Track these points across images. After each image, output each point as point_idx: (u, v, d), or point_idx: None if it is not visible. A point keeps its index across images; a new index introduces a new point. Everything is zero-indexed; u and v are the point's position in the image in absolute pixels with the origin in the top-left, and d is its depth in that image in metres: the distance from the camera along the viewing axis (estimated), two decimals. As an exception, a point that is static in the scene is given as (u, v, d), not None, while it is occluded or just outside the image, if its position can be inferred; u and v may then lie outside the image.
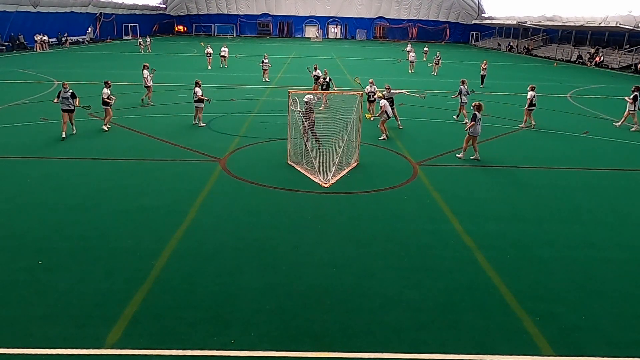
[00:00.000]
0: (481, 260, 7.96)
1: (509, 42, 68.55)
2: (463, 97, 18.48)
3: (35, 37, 44.98)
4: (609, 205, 10.65)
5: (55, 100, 14.48)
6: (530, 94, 17.58)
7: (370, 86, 18.29)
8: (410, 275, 7.46)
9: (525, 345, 5.94)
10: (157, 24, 77.04)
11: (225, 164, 12.59)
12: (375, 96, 17.96)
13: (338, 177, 11.64)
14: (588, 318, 6.51)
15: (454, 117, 19.13)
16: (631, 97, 18.21)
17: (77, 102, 14.58)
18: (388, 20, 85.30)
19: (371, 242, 8.53)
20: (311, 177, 11.58)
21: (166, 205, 9.79)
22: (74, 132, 14.75)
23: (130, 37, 67.58)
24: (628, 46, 47.18)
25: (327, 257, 7.89)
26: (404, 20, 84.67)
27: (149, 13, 76.18)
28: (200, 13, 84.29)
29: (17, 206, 9.58)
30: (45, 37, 46.10)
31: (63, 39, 51.21)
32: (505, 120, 19.04)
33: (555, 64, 48.14)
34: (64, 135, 14.30)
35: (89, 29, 58.28)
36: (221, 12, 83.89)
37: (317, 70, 21.98)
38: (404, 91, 18.97)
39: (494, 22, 74.85)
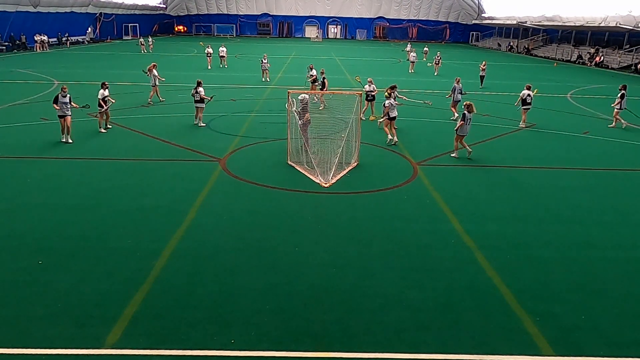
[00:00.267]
0: (481, 260, 7.96)
1: (509, 42, 68.55)
2: (457, 95, 18.94)
3: (35, 37, 45.01)
4: (609, 205, 10.65)
5: (57, 107, 13.81)
6: (523, 92, 17.82)
7: (369, 85, 18.21)
8: (410, 275, 7.46)
9: (525, 345, 5.94)
10: (157, 24, 77.04)
11: (225, 164, 12.59)
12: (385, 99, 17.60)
13: (338, 177, 11.64)
14: (588, 318, 6.51)
15: (452, 119, 19.21)
16: (618, 95, 18.45)
17: (74, 105, 14.23)
18: (388, 20, 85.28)
19: (371, 242, 8.53)
20: (311, 177, 11.58)
21: (166, 205, 9.80)
22: (70, 141, 13.95)
23: (130, 37, 67.60)
24: (628, 46, 47.18)
25: (327, 257, 7.89)
26: (404, 20, 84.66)
27: (149, 13, 76.19)
28: (200, 13, 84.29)
29: (17, 206, 9.58)
30: (45, 37, 46.11)
31: (64, 39, 51.25)
32: (505, 120, 19.04)
33: (555, 64, 48.15)
34: (69, 141, 13.88)
35: (89, 29, 58.30)
36: (221, 12, 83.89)
37: (313, 70, 21.77)
38: (404, 97, 19.04)
39: (494, 22, 74.85)
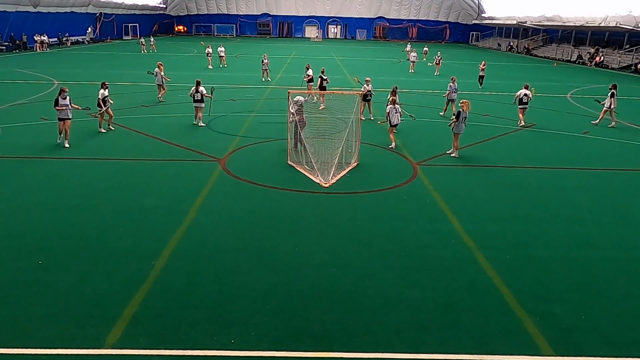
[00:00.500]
0: (481, 260, 7.96)
1: (509, 42, 68.55)
2: (452, 94, 19.19)
3: (34, 37, 45.02)
4: (609, 205, 10.65)
5: (61, 108, 13.45)
6: (520, 91, 17.99)
7: (367, 84, 18.16)
8: (410, 275, 7.46)
9: (525, 345, 5.94)
10: (157, 24, 77.02)
11: (225, 164, 12.59)
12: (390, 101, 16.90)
13: (338, 177, 11.64)
14: (588, 318, 6.51)
15: (440, 114, 19.64)
16: (609, 94, 18.66)
17: (75, 107, 14.04)
18: (388, 20, 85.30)
19: (371, 242, 8.53)
20: (311, 177, 11.58)
21: (166, 205, 9.80)
22: (67, 145, 13.56)
23: (130, 37, 67.62)
24: (628, 46, 47.18)
25: (327, 257, 7.89)
26: (404, 20, 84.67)
27: (149, 13, 76.19)
28: (200, 13, 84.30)
29: (17, 206, 9.58)
30: (45, 38, 46.12)
31: (64, 39, 51.26)
32: (505, 120, 19.04)
33: (555, 64, 48.15)
34: (65, 145, 13.58)
35: (89, 29, 58.30)
36: (221, 12, 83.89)
37: (309, 70, 21.64)
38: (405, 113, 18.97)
39: (494, 22, 74.86)
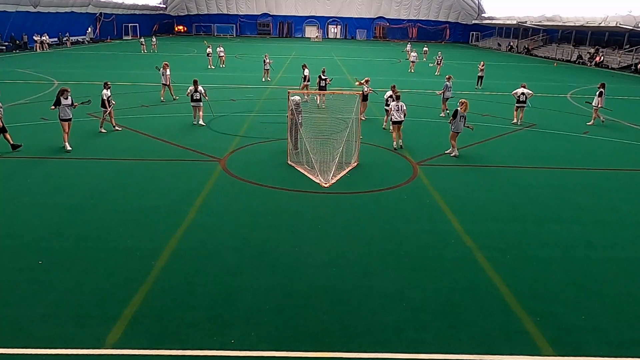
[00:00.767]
0: (481, 260, 7.96)
1: (509, 42, 68.58)
2: (447, 92, 19.38)
3: (33, 37, 45.03)
4: (609, 205, 10.65)
5: (53, 108, 13.37)
6: (517, 90, 18.27)
7: (366, 84, 18.16)
8: (410, 275, 7.46)
9: (525, 345, 5.93)
10: (157, 24, 77.05)
11: (225, 164, 12.59)
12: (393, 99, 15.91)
13: (338, 177, 11.64)
14: (588, 318, 6.51)
15: (441, 115, 19.69)
16: (597, 93, 18.95)
17: (75, 104, 13.86)
18: (388, 20, 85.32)
19: (371, 242, 8.53)
20: (311, 177, 11.58)
21: (166, 205, 9.79)
22: (69, 148, 13.33)
23: (130, 37, 67.65)
24: (628, 46, 47.20)
25: (327, 257, 7.89)
26: (404, 20, 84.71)
27: (149, 13, 76.22)
28: (200, 13, 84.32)
29: (17, 206, 9.58)
30: (45, 38, 46.13)
31: (64, 39, 51.27)
32: (504, 120, 19.05)
33: (555, 64, 48.15)
34: (69, 148, 13.28)
35: (89, 29, 58.32)
36: (221, 12, 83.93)
37: (306, 70, 21.64)
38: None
39: (494, 22, 74.87)
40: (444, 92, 19.48)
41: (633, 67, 43.39)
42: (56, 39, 50.37)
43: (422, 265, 7.76)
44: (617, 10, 45.63)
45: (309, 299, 6.73)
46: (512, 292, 7.06)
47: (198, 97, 16.50)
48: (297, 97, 13.04)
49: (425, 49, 48.31)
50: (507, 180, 12.14)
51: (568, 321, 6.43)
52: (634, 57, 44.89)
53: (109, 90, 15.34)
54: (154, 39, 48.98)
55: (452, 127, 13.63)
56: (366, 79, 18.51)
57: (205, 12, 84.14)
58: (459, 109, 13.46)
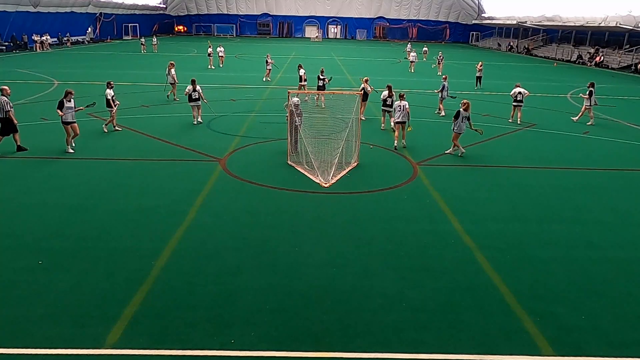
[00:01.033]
0: (481, 260, 7.96)
1: (509, 42, 68.57)
2: (444, 92, 19.63)
3: (33, 37, 45.03)
4: (609, 205, 10.65)
5: (61, 113, 12.97)
6: (514, 90, 18.62)
7: (366, 84, 18.13)
8: (410, 275, 7.46)
9: (525, 345, 5.94)
10: (157, 24, 77.03)
11: (225, 164, 12.59)
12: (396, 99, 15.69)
13: (338, 177, 11.64)
14: (588, 318, 6.51)
15: (441, 114, 19.75)
16: (587, 92, 19.07)
17: (80, 108, 13.65)
18: (388, 20, 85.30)
19: (371, 242, 8.53)
20: (311, 177, 11.58)
21: (166, 205, 9.79)
22: (71, 151, 13.20)
23: (130, 37, 67.65)
24: (628, 46, 47.19)
25: (327, 257, 7.89)
26: (404, 20, 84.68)
27: (149, 13, 76.20)
28: (200, 13, 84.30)
29: (17, 206, 9.58)
30: (46, 37, 46.13)
31: (64, 39, 51.27)
32: (504, 120, 19.05)
33: (555, 64, 48.15)
34: (70, 151, 13.17)
35: (89, 29, 58.32)
36: (221, 12, 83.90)
37: (301, 70, 21.64)
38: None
39: (494, 22, 74.87)
40: (441, 92, 19.71)
41: (633, 67, 43.38)
42: (56, 39, 50.35)
43: (422, 265, 7.76)
44: (617, 10, 45.63)
45: (309, 299, 6.73)
46: (512, 292, 7.06)
47: (197, 97, 16.54)
48: (296, 99, 13.03)
49: (425, 49, 48.30)
50: (507, 180, 12.14)
51: (568, 321, 6.43)
52: (634, 57, 44.89)
53: (112, 89, 15.34)
54: (154, 39, 49.00)
55: (455, 128, 13.62)
56: (365, 78, 18.55)
57: (205, 12, 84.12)
58: (461, 109, 13.45)
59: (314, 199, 10.40)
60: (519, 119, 18.65)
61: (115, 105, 15.29)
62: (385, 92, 16.25)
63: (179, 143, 14.36)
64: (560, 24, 57.54)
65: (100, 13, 60.60)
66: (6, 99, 13.10)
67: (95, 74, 28.24)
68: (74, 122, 13.23)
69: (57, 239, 8.23)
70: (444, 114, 19.58)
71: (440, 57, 36.27)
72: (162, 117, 17.93)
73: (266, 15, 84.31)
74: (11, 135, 13.20)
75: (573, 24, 54.38)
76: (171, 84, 21.16)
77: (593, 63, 47.61)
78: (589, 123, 18.97)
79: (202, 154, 13.38)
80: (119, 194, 10.34)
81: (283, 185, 11.14)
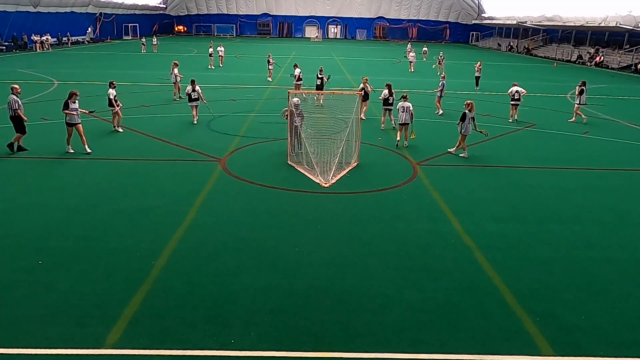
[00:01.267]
0: (481, 260, 7.96)
1: (509, 42, 68.55)
2: (442, 91, 19.88)
3: (33, 37, 45.02)
4: (609, 205, 10.65)
5: (73, 113, 12.80)
6: (511, 89, 18.87)
7: (366, 85, 18.14)
8: (410, 275, 7.46)
9: (525, 345, 5.93)
10: (157, 24, 77.04)
11: (225, 164, 12.59)
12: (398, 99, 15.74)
13: (338, 177, 11.64)
14: (588, 318, 6.51)
15: (438, 114, 19.91)
16: (577, 91, 19.20)
17: (84, 111, 13.52)
18: (388, 20, 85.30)
19: (371, 242, 8.53)
20: (311, 177, 11.58)
21: (166, 206, 9.79)
22: (89, 150, 13.04)
23: (130, 37, 67.65)
24: (628, 46, 47.18)
25: (327, 257, 7.89)
26: (404, 20, 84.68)
27: (149, 13, 76.21)
28: (200, 13, 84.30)
29: (17, 206, 9.58)
30: (47, 37, 46.13)
31: (64, 39, 51.26)
32: (504, 120, 19.05)
33: (555, 64, 48.14)
34: (71, 150, 13.03)
35: (89, 29, 58.32)
36: (221, 12, 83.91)
37: (297, 69, 21.68)
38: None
39: (494, 22, 74.86)
40: (440, 91, 19.82)
41: (633, 67, 43.37)
42: (56, 39, 50.35)
43: (422, 265, 7.76)
44: (617, 10, 45.63)
45: (308, 299, 6.73)
46: (512, 292, 7.06)
47: (196, 97, 16.56)
48: (296, 99, 13.03)
49: (424, 49, 48.30)
50: (507, 180, 12.14)
51: (568, 321, 6.43)
52: (634, 57, 44.88)
53: (114, 89, 15.33)
54: (155, 40, 49.00)
55: (462, 130, 13.57)
56: (365, 78, 18.56)
57: (205, 12, 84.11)
58: (466, 111, 13.41)
59: (314, 199, 10.40)
60: (515, 117, 18.88)
61: (117, 106, 15.27)
62: (386, 91, 16.29)
63: (179, 143, 14.36)
64: (560, 24, 57.54)
65: (100, 13, 60.60)
66: (15, 97, 13.04)
67: (95, 74, 28.24)
68: (79, 124, 13.08)
69: (57, 239, 8.23)
70: (442, 113, 19.66)
71: (441, 57, 36.24)
72: (162, 117, 17.94)
73: (266, 15, 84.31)
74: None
75: (573, 24, 54.38)
76: (173, 83, 21.29)
77: (593, 63, 47.60)
78: (583, 122, 19.02)
79: (202, 154, 13.38)
80: (119, 194, 10.34)
81: (283, 185, 11.13)
